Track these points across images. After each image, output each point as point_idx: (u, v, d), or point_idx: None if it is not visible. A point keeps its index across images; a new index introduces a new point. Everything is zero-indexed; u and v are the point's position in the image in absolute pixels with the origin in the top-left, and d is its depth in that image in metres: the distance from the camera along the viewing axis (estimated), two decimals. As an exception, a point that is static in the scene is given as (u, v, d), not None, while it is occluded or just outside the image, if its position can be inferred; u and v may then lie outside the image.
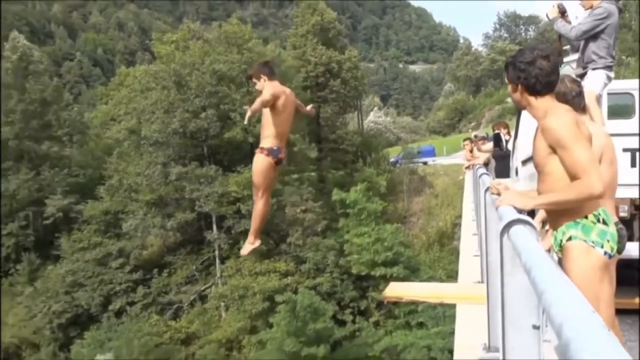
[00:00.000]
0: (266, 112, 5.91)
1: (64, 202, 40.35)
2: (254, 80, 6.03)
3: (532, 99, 3.41)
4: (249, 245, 6.37)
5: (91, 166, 45.13)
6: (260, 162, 5.99)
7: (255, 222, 6.42)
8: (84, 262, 37.32)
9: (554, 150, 3.28)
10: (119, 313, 35.77)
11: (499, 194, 4.05)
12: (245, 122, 5.96)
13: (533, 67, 3.35)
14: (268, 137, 5.97)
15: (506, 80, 3.60)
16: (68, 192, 41.27)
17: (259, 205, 6.29)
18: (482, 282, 7.10)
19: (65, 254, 38.48)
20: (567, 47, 8.34)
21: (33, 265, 39.94)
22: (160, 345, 33.83)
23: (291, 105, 6.09)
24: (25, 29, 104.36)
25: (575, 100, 4.18)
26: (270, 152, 5.95)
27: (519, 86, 3.43)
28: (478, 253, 8.44)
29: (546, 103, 3.38)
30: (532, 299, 2.78)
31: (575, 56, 7.64)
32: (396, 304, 32.69)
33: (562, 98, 3.93)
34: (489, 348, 5.15)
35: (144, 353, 32.25)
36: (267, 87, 5.76)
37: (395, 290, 7.60)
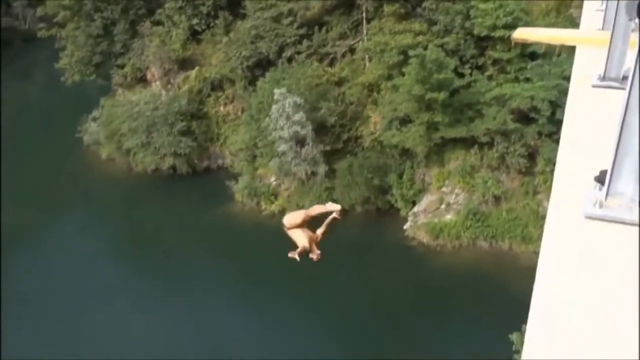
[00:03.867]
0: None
1: (246, -30, 39.49)
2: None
3: None
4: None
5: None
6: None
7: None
8: (263, 19, 37.63)
9: None
10: (289, 59, 36.73)
11: None
12: (297, 258, 6.67)
13: None
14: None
15: None
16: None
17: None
18: (603, 29, 6.28)
19: (249, 13, 38.89)
20: None
21: (227, 21, 40.94)
22: (319, 85, 35.02)
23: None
24: None
25: None
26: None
27: None
28: (602, 8, 7.34)
29: None
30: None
31: None
32: (509, 61, 30.69)
33: None
34: (603, 78, 4.70)
35: (307, 89, 33.68)
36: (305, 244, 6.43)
37: (523, 33, 6.95)
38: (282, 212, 33.23)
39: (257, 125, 34.79)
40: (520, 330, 16.98)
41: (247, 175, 35.32)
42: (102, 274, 29.20)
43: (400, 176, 32.46)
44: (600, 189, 2.73)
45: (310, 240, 6.52)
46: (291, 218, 6.69)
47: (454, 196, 31.66)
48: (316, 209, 6.78)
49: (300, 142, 32.84)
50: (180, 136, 37.17)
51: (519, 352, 17.10)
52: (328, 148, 33.34)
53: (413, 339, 24.49)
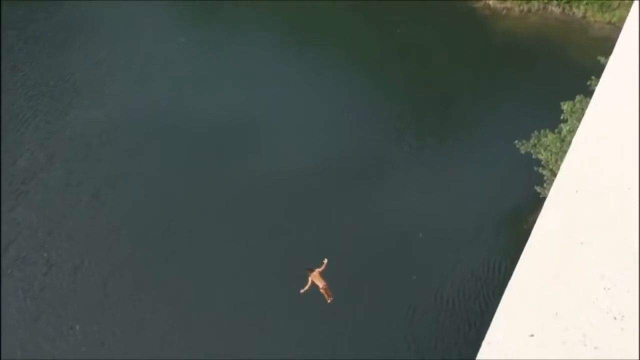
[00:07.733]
0: None
1: None
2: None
3: None
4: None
5: None
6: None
7: None
8: None
9: None
10: None
11: None
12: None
13: None
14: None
15: None
16: None
17: None
18: None
19: None
20: None
21: None
22: None
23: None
24: None
25: None
26: None
27: None
28: None
29: None
30: None
31: None
32: None
33: None
34: None
35: None
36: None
37: None
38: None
39: None
40: (574, 100, 16.73)
41: None
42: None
43: None
44: None
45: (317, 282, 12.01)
46: (315, 279, 11.77)
47: (533, -49, 27.88)
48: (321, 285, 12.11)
49: None
50: None
51: (566, 121, 17.14)
52: None
53: (461, 94, 24.46)
